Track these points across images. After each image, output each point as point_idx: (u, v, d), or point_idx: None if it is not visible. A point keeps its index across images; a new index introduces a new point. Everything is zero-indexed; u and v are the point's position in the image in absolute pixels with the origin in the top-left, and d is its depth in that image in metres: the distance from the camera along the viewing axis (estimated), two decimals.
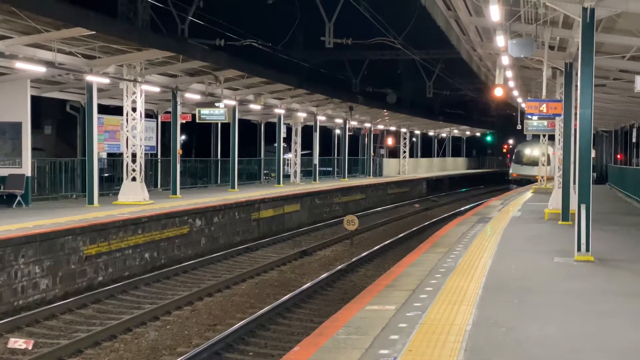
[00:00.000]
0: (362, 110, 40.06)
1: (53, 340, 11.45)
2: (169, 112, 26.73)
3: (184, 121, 28.93)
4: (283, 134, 35.72)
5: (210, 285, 15.71)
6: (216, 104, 24.84)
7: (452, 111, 62.82)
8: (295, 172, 36.29)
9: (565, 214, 17.91)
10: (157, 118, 30.58)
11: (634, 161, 37.89)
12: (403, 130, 52.61)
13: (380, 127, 49.64)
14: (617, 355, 6.53)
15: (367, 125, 46.65)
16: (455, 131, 64.94)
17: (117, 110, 25.38)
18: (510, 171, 53.30)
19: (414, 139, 60.52)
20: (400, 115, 45.83)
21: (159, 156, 30.38)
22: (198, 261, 18.51)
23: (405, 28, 33.41)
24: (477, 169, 72.21)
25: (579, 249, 11.89)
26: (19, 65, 17.03)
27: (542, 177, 39.64)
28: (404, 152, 53.42)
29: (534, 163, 47.48)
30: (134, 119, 21.28)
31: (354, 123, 44.83)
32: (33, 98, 20.50)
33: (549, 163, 43.73)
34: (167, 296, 14.85)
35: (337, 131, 47.16)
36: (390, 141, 57.89)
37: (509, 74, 21.89)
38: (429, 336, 6.93)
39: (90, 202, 20.14)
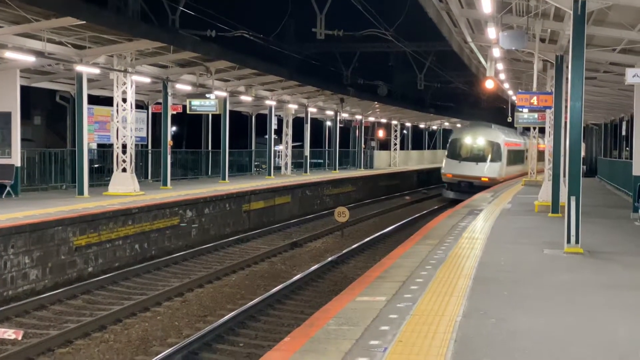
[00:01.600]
0: (353, 102, 40.04)
1: (43, 331, 11.43)
2: (160, 103, 26.64)
3: (174, 112, 28.85)
4: (274, 126, 35.67)
5: (200, 276, 15.70)
6: (207, 95, 24.77)
7: (443, 104, 62.84)
8: (286, 164, 36.27)
9: (555, 206, 17.97)
10: (147, 109, 30.49)
11: (623, 154, 37.96)
12: (394, 122, 52.63)
13: (371, 119, 49.64)
14: (606, 346, 6.57)
15: (358, 117, 46.63)
16: (446, 124, 65.01)
17: (108, 101, 25.27)
18: (443, 170, 36.68)
19: (404, 132, 60.54)
20: (391, 107, 45.84)
21: (149, 147, 30.30)
22: (188, 252, 18.50)
23: (396, 20, 33.34)
24: None
25: (568, 241, 11.93)
26: (9, 54, 16.94)
27: (494, 179, 34.21)
28: (395, 144, 53.45)
29: (478, 158, 35.79)
30: (124, 110, 21.20)
31: (345, 115, 44.82)
32: (22, 88, 20.37)
33: (499, 158, 36.04)
34: (158, 287, 14.84)
35: (328, 123, 47.13)
36: (381, 133, 57.90)
37: (500, 66, 21.93)
38: (419, 327, 6.95)
39: (80, 192, 20.07)
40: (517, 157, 40.80)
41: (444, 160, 37.06)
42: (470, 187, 33.54)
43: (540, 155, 44.05)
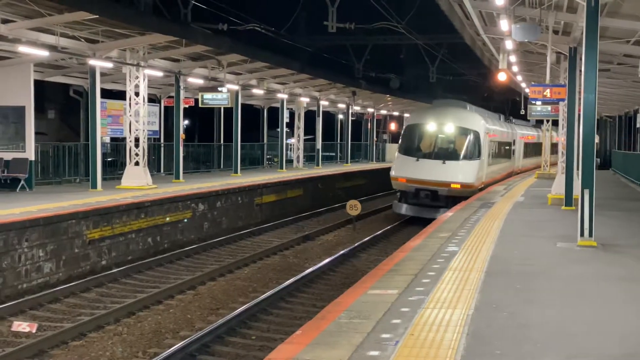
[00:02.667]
0: (365, 95, 39.97)
1: (57, 324, 11.50)
2: (172, 97, 26.72)
3: (186, 106, 28.89)
4: (286, 119, 35.68)
5: (213, 269, 15.75)
6: (219, 89, 24.80)
7: (455, 96, 62.53)
8: (298, 157, 36.28)
9: (569, 199, 17.88)
10: (160, 102, 30.55)
11: (638, 147, 37.70)
12: (406, 115, 52.51)
13: (383, 112, 49.52)
14: (619, 339, 6.54)
15: (370, 110, 46.55)
16: None
17: (120, 95, 25.35)
18: (393, 173, 24.98)
19: None
20: (403, 100, 45.72)
21: (161, 141, 30.37)
22: (201, 245, 18.55)
23: (408, 12, 33.25)
24: None
25: (582, 234, 11.88)
26: (22, 49, 17.01)
27: (469, 186, 23.65)
28: None
29: (446, 154, 24.56)
30: (137, 104, 21.26)
31: (357, 108, 44.74)
32: (36, 82, 20.47)
33: (477, 154, 24.66)
34: (170, 280, 14.90)
35: (340, 116, 47.08)
36: (393, 126, 57.76)
37: (513, 58, 21.80)
38: (431, 320, 6.94)
39: (94, 186, 20.16)
40: (502, 152, 30.61)
41: (396, 157, 25.63)
42: (433, 199, 23.39)
43: (531, 148, 39.52)
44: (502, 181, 29.41)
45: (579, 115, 14.15)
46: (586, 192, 11.80)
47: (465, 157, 24.47)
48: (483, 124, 25.62)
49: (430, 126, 25.16)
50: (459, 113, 25.89)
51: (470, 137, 24.70)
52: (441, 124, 25.03)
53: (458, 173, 23.89)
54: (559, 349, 6.19)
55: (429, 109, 27.22)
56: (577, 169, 15.27)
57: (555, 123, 30.13)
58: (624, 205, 19.61)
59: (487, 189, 24.91)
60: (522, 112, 29.86)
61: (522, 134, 37.66)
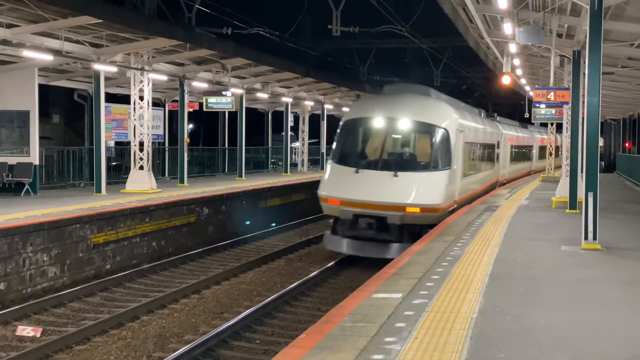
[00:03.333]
0: None
1: (61, 328, 11.52)
2: (177, 101, 26.74)
3: (191, 110, 28.94)
4: (290, 123, 35.71)
5: (217, 273, 15.75)
6: (223, 93, 24.82)
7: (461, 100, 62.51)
8: (303, 160, 36.29)
9: (573, 202, 17.85)
10: (164, 107, 30.60)
11: None
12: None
13: None
14: (623, 343, 6.52)
15: None
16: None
17: (125, 99, 25.40)
18: (321, 191, 17.28)
19: None
20: None
21: (166, 145, 30.42)
22: (205, 249, 18.56)
23: (412, 16, 33.26)
24: None
25: (586, 238, 11.85)
26: (27, 53, 17.05)
27: (434, 209, 16.21)
28: None
29: (400, 162, 17.37)
30: (141, 108, 21.29)
31: None
32: (41, 87, 20.52)
33: (447, 162, 17.25)
34: (175, 284, 14.91)
35: None
36: None
37: (517, 62, 21.80)
38: (435, 324, 6.93)
39: (98, 190, 20.19)
40: (483, 157, 23.64)
41: (327, 168, 18.22)
42: (380, 230, 16.20)
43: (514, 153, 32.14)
44: (483, 197, 22.53)
45: (583, 118, 14.13)
46: (590, 195, 11.78)
47: (428, 167, 17.04)
48: (455, 119, 18.16)
49: (377, 122, 17.64)
50: (420, 103, 18.15)
51: (436, 137, 17.21)
52: (393, 119, 17.55)
53: (417, 190, 16.29)
54: (563, 353, 6.18)
55: (375, 98, 19.63)
56: (582, 171, 15.23)
57: (559, 126, 30.08)
58: (629, 209, 19.57)
59: (463, 209, 18.23)
60: (526, 114, 29.84)
61: (510, 135, 31.39)
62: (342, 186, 16.78)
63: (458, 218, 16.49)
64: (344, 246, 16.72)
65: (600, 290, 8.79)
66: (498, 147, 27.02)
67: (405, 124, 17.67)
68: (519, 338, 6.55)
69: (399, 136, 17.91)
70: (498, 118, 30.93)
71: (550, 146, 33.60)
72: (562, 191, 19.72)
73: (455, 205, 18.05)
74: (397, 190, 16.31)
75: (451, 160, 17.27)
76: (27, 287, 13.52)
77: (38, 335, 10.98)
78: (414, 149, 17.80)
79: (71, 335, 10.86)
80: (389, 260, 11.11)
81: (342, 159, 17.47)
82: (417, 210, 16.17)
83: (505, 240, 12.82)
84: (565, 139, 21.33)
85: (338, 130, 18.23)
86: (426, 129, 17.60)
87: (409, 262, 10.48)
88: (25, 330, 11.13)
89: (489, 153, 24.94)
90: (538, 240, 13.01)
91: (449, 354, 6.01)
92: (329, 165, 17.72)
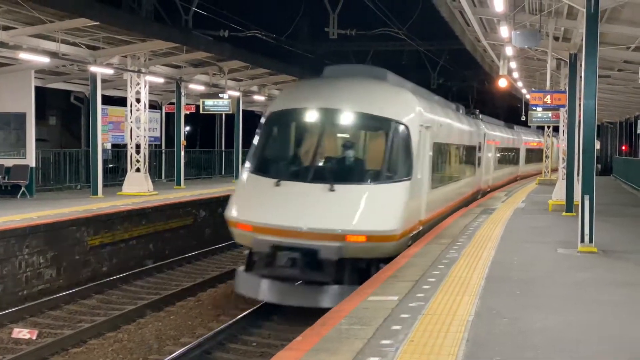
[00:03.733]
0: None
1: (57, 331, 11.50)
2: (173, 103, 26.75)
3: (187, 112, 28.96)
4: None
5: (214, 275, 15.74)
6: (220, 95, 24.84)
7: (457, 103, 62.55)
8: None
9: (569, 205, 17.87)
10: (161, 109, 30.60)
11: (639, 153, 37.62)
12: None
13: None
14: (620, 345, 6.53)
15: None
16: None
17: (121, 101, 25.38)
18: (231, 213, 12.30)
19: None
20: None
21: (163, 147, 30.40)
22: (202, 252, 18.54)
23: (409, 19, 33.28)
24: None
25: (582, 240, 11.87)
26: (23, 55, 17.04)
27: (388, 237, 11.61)
28: None
29: (340, 171, 12.46)
30: (138, 110, 21.28)
31: None
32: (37, 89, 20.52)
33: (407, 170, 12.57)
34: (171, 287, 14.89)
35: None
36: None
37: (513, 64, 21.83)
38: (432, 326, 6.93)
39: (95, 192, 20.17)
40: (461, 162, 19.78)
41: (240, 178, 13.38)
42: (311, 266, 11.54)
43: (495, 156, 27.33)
44: (459, 211, 18.44)
45: (580, 121, 14.16)
46: (586, 198, 11.80)
47: (380, 177, 12.38)
48: (419, 113, 13.48)
49: (311, 115, 13.01)
50: (372, 90, 13.35)
51: (393, 135, 12.64)
52: (333, 111, 12.87)
53: (363, 210, 11.82)
54: (560, 355, 6.18)
55: (312, 84, 14.54)
56: (578, 174, 15.26)
57: (555, 129, 30.07)
58: (625, 211, 19.60)
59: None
60: (523, 117, 29.86)
61: (494, 135, 27.60)
62: (256, 205, 12.07)
63: (455, 221, 16.50)
64: (261, 290, 11.78)
65: (597, 293, 8.80)
66: (480, 149, 23.42)
67: (349, 118, 12.82)
68: (515, 341, 6.55)
69: (341, 135, 13.14)
70: (480, 116, 26.40)
71: (547, 148, 33.37)
72: (558, 194, 19.75)
73: (421, 228, 13.53)
74: (334, 211, 11.55)
75: (413, 167, 12.54)
76: (23, 289, 13.49)
77: (34, 338, 10.96)
78: (362, 152, 13.15)
79: (67, 337, 10.84)
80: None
81: (261, 167, 12.62)
82: (363, 239, 11.43)
83: (502, 243, 12.83)
84: (561, 141, 21.34)
85: (258, 128, 13.43)
86: (378, 125, 12.89)
87: (406, 264, 10.48)
88: (21, 332, 11.11)
89: (468, 157, 20.94)
90: (534, 243, 13.02)
91: (445, 357, 6.01)
92: (244, 175, 12.82)
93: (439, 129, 15.66)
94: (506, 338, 6.63)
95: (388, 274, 9.70)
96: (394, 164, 12.54)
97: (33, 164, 19.78)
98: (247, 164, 12.88)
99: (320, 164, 12.58)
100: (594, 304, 8.19)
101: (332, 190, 11.72)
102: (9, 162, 19.53)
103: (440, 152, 15.99)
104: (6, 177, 19.42)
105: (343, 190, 11.83)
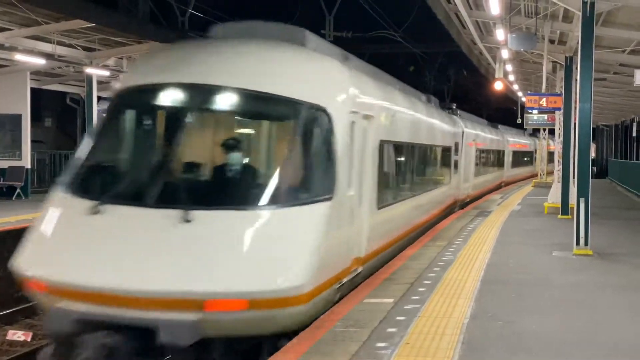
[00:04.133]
0: None
1: None
2: None
3: None
4: None
5: None
6: None
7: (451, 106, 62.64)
8: None
9: (565, 207, 17.90)
10: None
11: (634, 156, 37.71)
12: None
13: None
14: (614, 348, 6.53)
15: None
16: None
17: None
18: (15, 262, 7.63)
19: None
20: None
21: None
22: None
23: (405, 21, 33.38)
24: None
25: (577, 243, 11.88)
26: (19, 57, 17.02)
27: (294, 299, 6.61)
28: None
29: (207, 188, 7.52)
30: None
31: None
32: (33, 90, 20.50)
33: (329, 185, 7.50)
34: None
35: None
36: None
37: (509, 67, 21.88)
38: (427, 329, 6.93)
39: None
40: (429, 167, 15.98)
41: (46, 203, 8.10)
42: (146, 355, 6.42)
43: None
44: (420, 240, 13.63)
45: (575, 124, 14.19)
46: (582, 200, 11.81)
47: (277, 195, 7.20)
48: (352, 94, 8.86)
49: (167, 96, 7.91)
50: (274, 58, 8.27)
51: (303, 127, 7.76)
52: (202, 90, 7.75)
53: (240, 255, 6.80)
54: (555, 358, 6.19)
55: (181, 47, 9.08)
56: (574, 177, 15.29)
57: (551, 132, 30.12)
58: (621, 214, 19.64)
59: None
60: (519, 120, 29.90)
61: (476, 135, 24.35)
62: (57, 249, 7.35)
63: (451, 223, 16.52)
64: None
65: (592, 296, 8.81)
66: (457, 151, 19.82)
67: (230, 100, 7.86)
68: (511, 343, 6.55)
69: (216, 127, 8.37)
70: (459, 112, 22.55)
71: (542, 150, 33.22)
72: (554, 197, 19.78)
73: (360, 269, 9.14)
74: (189, 257, 6.69)
75: (336, 179, 7.77)
76: (17, 291, 13.44)
77: (29, 340, 10.92)
78: (248, 155, 7.98)
79: None
80: None
81: (78, 182, 7.75)
82: (241, 305, 6.59)
83: (498, 245, 12.84)
84: (557, 144, 21.37)
85: (98, 122, 9.33)
86: (280, 111, 8.00)
87: (402, 267, 10.49)
88: (16, 334, 11.07)
89: (441, 160, 17.33)
90: (530, 245, 13.03)
91: (440, 359, 6.01)
92: (51, 196, 8.10)
93: (391, 120, 11.26)
94: (501, 341, 6.63)
95: (383, 277, 9.70)
96: (303, 175, 7.59)
97: (28, 166, 19.75)
98: (62, 177, 8.16)
99: (173, 176, 7.47)
100: (589, 306, 8.20)
101: (187, 220, 6.75)
102: (5, 164, 19.50)
103: (396, 154, 11.71)
104: (1, 179, 19.39)
105: (207, 219, 6.87)
